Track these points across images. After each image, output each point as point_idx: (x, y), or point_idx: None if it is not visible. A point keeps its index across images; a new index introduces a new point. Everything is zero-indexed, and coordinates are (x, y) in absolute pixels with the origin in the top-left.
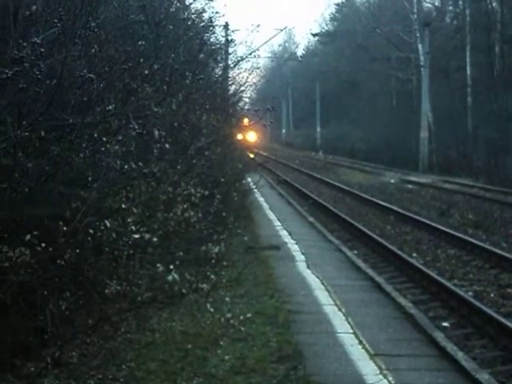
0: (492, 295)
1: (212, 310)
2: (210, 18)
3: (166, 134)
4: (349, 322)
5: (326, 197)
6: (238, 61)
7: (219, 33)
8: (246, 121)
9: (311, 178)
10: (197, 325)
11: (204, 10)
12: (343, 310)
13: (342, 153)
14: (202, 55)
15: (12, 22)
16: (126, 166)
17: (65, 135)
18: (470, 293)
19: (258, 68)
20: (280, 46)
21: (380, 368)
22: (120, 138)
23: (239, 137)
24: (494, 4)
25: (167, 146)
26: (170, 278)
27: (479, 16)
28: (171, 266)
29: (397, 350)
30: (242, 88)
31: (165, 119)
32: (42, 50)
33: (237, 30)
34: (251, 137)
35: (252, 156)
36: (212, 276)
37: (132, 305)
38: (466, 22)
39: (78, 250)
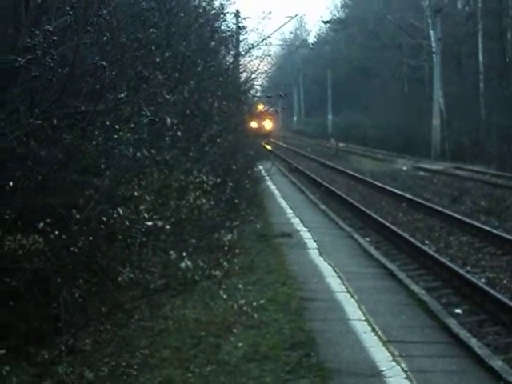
0: (505, 282)
1: (225, 296)
2: (221, 5)
3: (178, 122)
4: (361, 309)
5: (338, 184)
6: (249, 48)
7: (230, 20)
8: (260, 107)
9: (323, 165)
10: (210, 312)
11: None
12: (356, 297)
13: (354, 140)
14: (213, 43)
15: (24, 10)
16: (138, 154)
17: (77, 123)
18: (483, 279)
19: (269, 55)
20: (291, 33)
21: (393, 355)
22: (132, 125)
23: (253, 125)
24: None
25: (179, 133)
26: (183, 265)
27: (491, 2)
28: (184, 254)
29: (410, 337)
30: (254, 75)
31: (177, 106)
32: (55, 37)
33: (248, 18)
34: (267, 125)
35: (268, 147)
36: (225, 263)
37: (145, 292)
38: (477, 8)
39: (91, 238)
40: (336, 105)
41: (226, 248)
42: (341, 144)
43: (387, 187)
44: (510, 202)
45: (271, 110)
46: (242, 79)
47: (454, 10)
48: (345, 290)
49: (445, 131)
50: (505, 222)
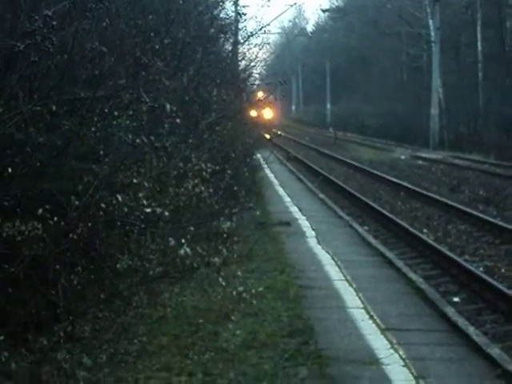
0: (503, 270)
1: (223, 284)
2: None
3: (177, 109)
4: (359, 297)
5: (336, 173)
6: (248, 36)
7: (229, 8)
8: (260, 94)
9: (321, 154)
10: (208, 299)
11: None
12: (354, 286)
13: (353, 129)
14: (212, 30)
15: None
16: (137, 141)
17: (76, 109)
18: (481, 268)
19: (268, 44)
20: (290, 21)
21: (391, 342)
22: (131, 112)
23: (253, 113)
24: None
25: (178, 120)
26: (181, 252)
27: None
28: (183, 241)
29: (408, 325)
30: (252, 63)
31: (176, 93)
32: (54, 23)
33: (247, 6)
34: (267, 114)
35: (268, 137)
36: (223, 251)
37: (143, 279)
38: None
39: (89, 225)
40: (334, 93)
41: (224, 235)
42: (339, 132)
43: (385, 176)
44: (508, 191)
45: (271, 97)
46: (241, 67)
47: None
48: (343, 278)
49: (443, 120)
50: (503, 211)
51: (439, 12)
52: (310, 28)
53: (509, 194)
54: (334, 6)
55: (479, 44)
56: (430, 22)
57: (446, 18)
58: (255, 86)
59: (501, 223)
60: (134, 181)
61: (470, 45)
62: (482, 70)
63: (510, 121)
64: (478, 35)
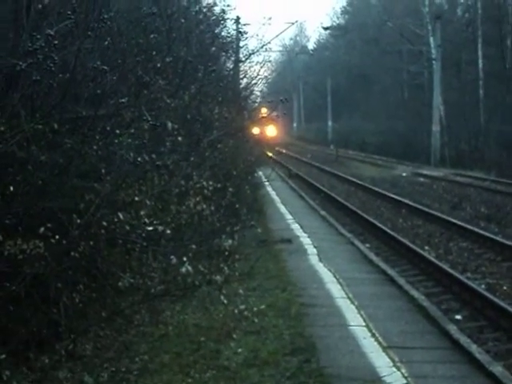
0: (505, 288)
1: (225, 302)
2: (222, 11)
3: (179, 127)
4: (361, 315)
5: (337, 190)
6: (250, 54)
7: (231, 26)
8: (264, 111)
9: (323, 171)
10: (210, 317)
11: (215, 4)
12: (356, 303)
13: (354, 146)
14: (213, 48)
15: (25, 15)
16: (139, 159)
17: (78, 128)
18: (483, 286)
19: (270, 61)
20: (291, 39)
21: (393, 360)
22: (133, 130)
23: (255, 131)
24: None
25: (180, 138)
26: (183, 270)
27: (491, 8)
28: (184, 259)
29: (410, 343)
30: (254, 81)
31: (177, 111)
32: (56, 42)
33: (248, 24)
34: (270, 131)
35: (271, 155)
36: (225, 268)
37: (145, 297)
38: (477, 15)
39: (91, 243)
40: (336, 111)
41: (226, 253)
42: (341, 150)
43: (387, 193)
44: (509, 208)
45: (274, 114)
46: (243, 85)
47: (453, 17)
48: (345, 295)
49: (444, 137)
50: (505, 229)
51: (440, 29)
52: (311, 46)
53: (510, 211)
54: (335, 23)
55: (480, 61)
56: (431, 39)
57: (446, 36)
58: (256, 104)
59: (502, 240)
60: (136, 199)
61: (471, 62)
62: (482, 87)
63: (510, 138)
64: (479, 53)
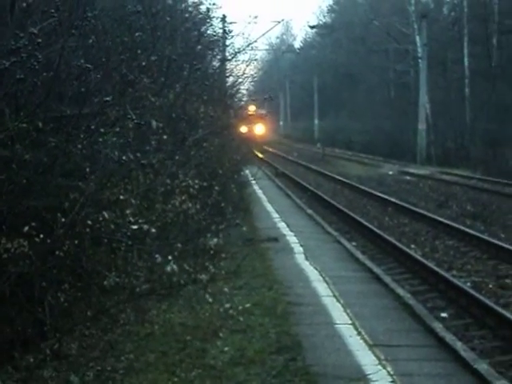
0: (490, 286)
1: (211, 300)
2: (208, 9)
3: (164, 125)
4: (347, 313)
5: (324, 189)
6: (236, 53)
7: (217, 25)
8: (252, 108)
9: (309, 170)
10: (196, 316)
11: (201, 2)
12: (342, 301)
13: (340, 145)
14: (199, 47)
15: (9, 13)
16: (124, 157)
17: (62, 126)
18: (469, 283)
19: (256, 60)
20: (277, 38)
21: (379, 358)
22: (118, 129)
23: (243, 129)
24: None
25: (165, 137)
26: (168, 269)
27: (477, 7)
28: (170, 257)
29: (395, 341)
30: (240, 80)
31: (162, 110)
32: (39, 40)
33: (234, 23)
34: (259, 129)
35: (261, 156)
36: (210, 267)
37: (131, 296)
38: (463, 14)
39: (76, 242)
40: (322, 110)
41: (211, 252)
42: (327, 148)
43: (373, 191)
44: (495, 206)
45: (263, 112)
46: (229, 83)
47: (439, 16)
48: (331, 294)
49: (431, 136)
50: (490, 227)
51: (426, 28)
52: (297, 44)
53: (496, 210)
54: (321, 22)
55: (466, 60)
56: (417, 38)
57: (433, 35)
58: (243, 103)
59: (488, 238)
60: (121, 197)
61: (457, 61)
62: (468, 85)
63: (496, 136)
64: (465, 51)
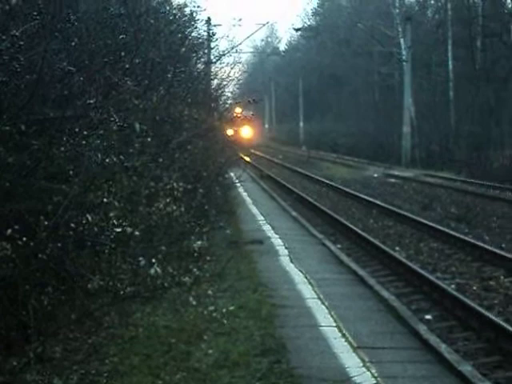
0: (475, 288)
1: (195, 303)
2: (192, 12)
3: (148, 128)
4: (332, 316)
5: (309, 191)
6: (220, 55)
7: (201, 27)
8: (238, 110)
9: (294, 172)
10: (180, 319)
11: (186, 5)
12: (326, 304)
13: (325, 147)
14: (183, 49)
15: None
16: (107, 160)
17: (45, 129)
18: (453, 286)
19: (240, 63)
20: (262, 40)
21: (363, 360)
22: (101, 131)
23: (229, 132)
24: None
25: (149, 139)
26: (152, 271)
27: (461, 10)
28: (154, 260)
29: (380, 343)
30: (224, 82)
31: (146, 113)
32: (21, 42)
33: (219, 25)
34: (246, 132)
35: (248, 159)
36: (195, 270)
37: (115, 299)
38: (447, 16)
39: (59, 245)
40: (307, 112)
41: (196, 255)
42: (312, 151)
43: (358, 194)
44: (479, 208)
45: (250, 114)
46: (213, 86)
47: (424, 18)
48: (316, 296)
49: (415, 138)
50: (474, 229)
51: (410, 31)
52: (282, 47)
53: (480, 212)
54: (306, 25)
55: (450, 63)
56: (402, 40)
57: (417, 37)
58: (228, 105)
59: (472, 241)
60: (105, 200)
61: (441, 63)
62: (453, 88)
63: (480, 139)
64: (449, 54)
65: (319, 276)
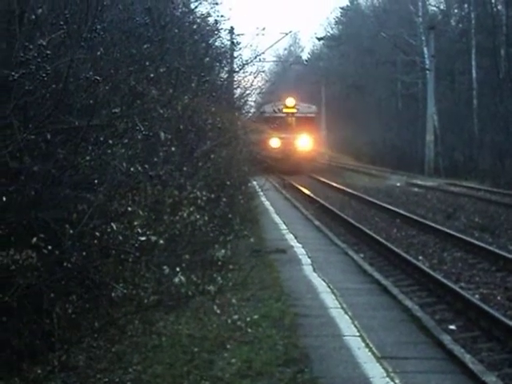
0: (499, 298)
1: (218, 312)
2: (216, 21)
3: (172, 137)
4: (355, 325)
5: (331, 200)
6: (244, 64)
7: (224, 37)
8: (290, 102)
9: (317, 181)
10: (203, 328)
11: (209, 14)
12: (350, 313)
13: (348, 156)
14: (207, 59)
15: (18, 25)
16: (132, 169)
17: (71, 138)
18: (477, 296)
19: (264, 72)
20: (285, 49)
21: (387, 371)
22: (126, 140)
23: (274, 143)
24: (500, 7)
25: (173, 148)
26: (176, 280)
27: (484, 19)
28: (177, 269)
29: (403, 353)
30: (248, 91)
31: (171, 122)
32: (48, 52)
33: (242, 34)
34: (302, 142)
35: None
36: (218, 278)
37: (138, 308)
38: (471, 25)
39: (84, 253)
40: (330, 121)
41: (219, 263)
42: (334, 159)
43: (381, 203)
44: (503, 218)
45: (311, 110)
46: (236, 95)
47: (447, 27)
48: (339, 305)
49: (438, 147)
50: (498, 239)
51: (434, 40)
52: (305, 56)
53: (504, 221)
54: (329, 34)
55: (474, 71)
56: (425, 49)
57: (440, 46)
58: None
59: (496, 250)
60: (129, 209)
61: (465, 72)
62: (476, 97)
63: (504, 148)
64: (473, 62)
65: (342, 285)
